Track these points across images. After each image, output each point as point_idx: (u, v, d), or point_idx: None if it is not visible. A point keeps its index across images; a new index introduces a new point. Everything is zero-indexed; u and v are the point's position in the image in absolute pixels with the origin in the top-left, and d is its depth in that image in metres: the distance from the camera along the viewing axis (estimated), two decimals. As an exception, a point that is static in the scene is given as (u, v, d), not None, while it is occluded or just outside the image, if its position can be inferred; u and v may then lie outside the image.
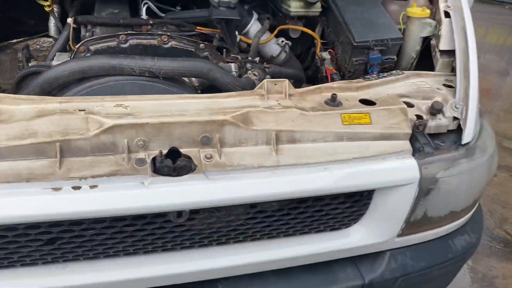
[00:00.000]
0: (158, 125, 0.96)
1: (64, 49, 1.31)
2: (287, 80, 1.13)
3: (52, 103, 0.98)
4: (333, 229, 1.15)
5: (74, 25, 1.27)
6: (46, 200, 0.88)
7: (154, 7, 1.38)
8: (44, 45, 1.50)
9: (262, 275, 1.13)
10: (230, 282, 1.11)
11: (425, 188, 1.13)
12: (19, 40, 1.46)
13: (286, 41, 1.48)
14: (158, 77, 1.12)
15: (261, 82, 1.12)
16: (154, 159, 0.95)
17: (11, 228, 0.89)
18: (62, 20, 1.45)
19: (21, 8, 1.50)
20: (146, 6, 1.36)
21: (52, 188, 0.89)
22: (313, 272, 1.16)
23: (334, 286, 1.15)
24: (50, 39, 1.49)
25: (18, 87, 1.19)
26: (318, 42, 1.49)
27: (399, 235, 1.18)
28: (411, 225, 1.17)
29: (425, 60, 1.47)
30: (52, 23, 1.43)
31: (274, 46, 1.47)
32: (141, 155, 0.96)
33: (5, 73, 1.50)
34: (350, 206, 1.12)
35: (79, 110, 0.97)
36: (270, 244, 1.11)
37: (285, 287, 1.12)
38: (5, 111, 0.96)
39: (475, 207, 1.34)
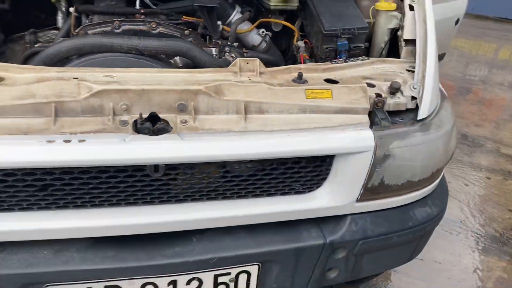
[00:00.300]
0: (140, 92, 1.12)
1: (67, 35, 1.49)
2: (258, 60, 1.28)
3: (50, 72, 1.15)
4: (297, 192, 1.28)
5: (76, 14, 1.45)
6: (41, 150, 1.04)
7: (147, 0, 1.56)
8: (53, 37, 1.68)
9: (233, 230, 1.26)
10: (204, 236, 1.24)
11: (380, 157, 1.25)
12: (30, 31, 1.65)
13: (266, 32, 1.64)
14: (143, 55, 1.28)
15: (235, 60, 1.27)
16: (135, 121, 1.11)
17: (10, 173, 1.05)
18: (68, 13, 1.63)
19: (33, 2, 1.69)
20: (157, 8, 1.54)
21: (46, 141, 1.05)
22: (280, 231, 1.29)
23: (298, 244, 1.27)
24: (57, 31, 1.68)
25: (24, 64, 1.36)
26: (296, 32, 1.65)
27: (358, 200, 1.30)
28: (369, 191, 1.29)
29: (395, 50, 1.61)
30: (60, 16, 1.62)
31: (255, 36, 1.63)
32: (125, 117, 1.11)
33: (18, 62, 1.69)
34: (311, 170, 1.25)
35: (73, 78, 1.13)
36: (240, 202, 1.24)
37: (253, 242, 1.25)
38: (10, 78, 1.12)
39: (435, 181, 1.45)
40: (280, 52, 1.73)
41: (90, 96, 1.09)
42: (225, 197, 1.23)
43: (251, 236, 1.26)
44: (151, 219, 1.17)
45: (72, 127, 1.08)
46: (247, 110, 1.18)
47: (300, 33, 1.68)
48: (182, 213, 1.20)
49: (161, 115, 1.13)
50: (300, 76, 1.28)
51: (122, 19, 1.39)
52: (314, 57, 1.58)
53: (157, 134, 1.10)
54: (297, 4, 1.63)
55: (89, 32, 1.36)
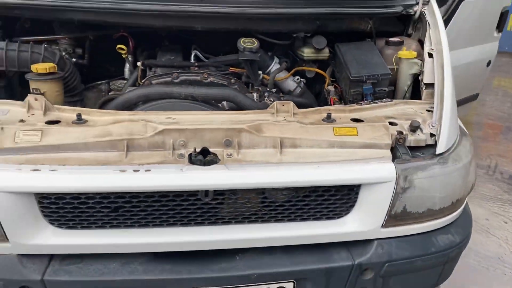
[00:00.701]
0: (194, 130, 1.36)
1: (134, 84, 1.79)
2: (292, 102, 1.50)
3: (123, 115, 1.42)
4: (328, 217, 1.45)
5: (142, 67, 1.75)
6: (115, 178, 1.28)
7: (200, 54, 1.84)
8: (120, 86, 1.98)
9: (271, 250, 1.44)
10: (246, 254, 1.43)
11: (402, 187, 1.41)
12: (102, 82, 1.97)
13: (301, 79, 1.87)
14: (197, 100, 1.54)
15: (272, 103, 1.50)
16: (190, 155, 1.34)
17: (91, 197, 1.30)
18: (134, 66, 1.94)
19: (104, 57, 2.01)
20: (194, 53, 1.82)
21: (120, 170, 1.30)
22: (312, 252, 1.45)
23: (329, 264, 1.43)
24: (125, 81, 1.98)
25: (101, 108, 1.65)
26: (327, 78, 1.87)
27: (383, 226, 1.45)
28: (393, 218, 1.45)
29: (418, 93, 1.79)
30: (127, 68, 1.92)
31: (291, 83, 1.87)
32: (182, 151, 1.35)
33: (91, 106, 2.00)
34: (340, 198, 1.42)
35: (141, 120, 1.39)
36: (277, 225, 1.43)
37: (289, 261, 1.42)
38: (92, 120, 1.40)
39: (457, 211, 1.58)
40: (313, 96, 1.95)
41: (155, 134, 1.34)
42: (264, 220, 1.42)
43: (287, 256, 1.44)
44: (201, 238, 1.38)
45: (140, 159, 1.33)
46: (282, 145, 1.39)
47: (331, 79, 1.90)
48: (227, 233, 1.40)
49: (211, 149, 1.36)
50: (329, 116, 1.49)
51: (180, 71, 1.67)
52: (343, 100, 1.79)
53: (208, 165, 1.33)
54: (327, 55, 1.86)
55: (153, 82, 1.65)
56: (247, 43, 1.65)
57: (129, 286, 1.34)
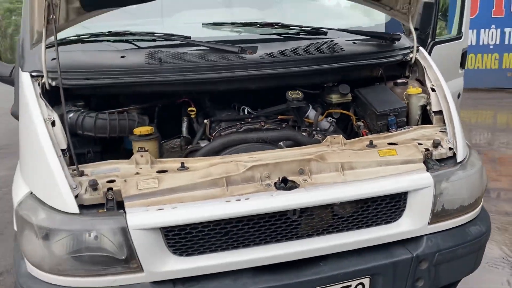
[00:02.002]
0: (275, 164, 1.72)
1: (201, 138, 2.14)
2: (341, 135, 1.90)
3: (214, 159, 1.77)
4: (386, 222, 1.81)
5: (208, 123, 2.12)
6: (224, 207, 1.61)
7: (249, 109, 2.23)
8: (176, 144, 2.30)
9: (346, 254, 1.77)
10: (328, 260, 1.75)
11: (438, 190, 1.81)
12: (165, 141, 2.27)
13: (332, 119, 2.29)
14: (266, 142, 1.91)
15: (325, 138, 1.90)
16: (275, 183, 1.69)
17: (206, 225, 1.60)
18: (189, 125, 2.29)
19: (165, 120, 2.34)
20: (245, 109, 2.22)
21: (226, 201, 1.63)
22: (378, 251, 1.79)
23: (395, 259, 1.77)
24: (178, 139, 2.30)
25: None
26: (353, 118, 2.29)
27: (429, 223, 1.83)
28: (436, 216, 1.82)
29: (426, 120, 2.24)
30: (184, 127, 2.26)
31: (325, 123, 2.28)
32: (267, 181, 1.70)
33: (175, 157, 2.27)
34: (394, 205, 1.79)
35: (231, 161, 1.74)
36: (349, 233, 1.77)
37: (363, 260, 1.75)
38: (192, 166, 1.74)
39: (479, 206, 1.98)
40: (341, 131, 2.36)
41: (246, 170, 1.69)
42: (338, 230, 1.76)
43: (360, 257, 1.77)
44: (292, 250, 1.70)
45: (238, 191, 1.66)
46: (343, 168, 1.77)
47: (355, 117, 2.33)
48: (311, 244, 1.72)
49: (289, 178, 1.72)
50: (371, 142, 1.90)
51: (241, 122, 2.06)
52: (370, 131, 2.21)
53: (291, 190, 1.68)
54: (350, 98, 2.30)
55: (222, 133, 2.01)
56: (294, 94, 2.07)
57: (243, 297, 1.63)
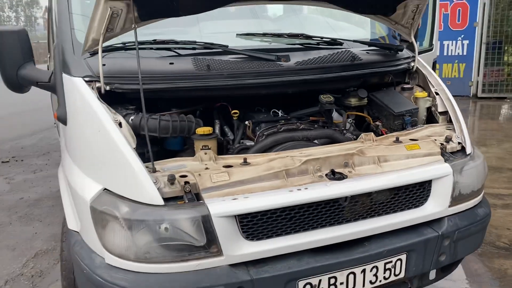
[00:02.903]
0: (324, 158, 1.97)
1: (242, 138, 2.33)
2: (372, 133, 2.18)
3: (272, 155, 1.98)
4: (416, 206, 2.11)
5: (249, 124, 2.32)
6: (288, 196, 1.82)
7: (281, 112, 2.46)
8: None
9: (385, 235, 2.04)
10: (371, 241, 2.01)
11: (456, 178, 2.13)
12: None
13: (352, 120, 2.58)
14: (310, 140, 2.15)
15: (360, 135, 2.17)
16: (326, 174, 1.94)
17: (272, 212, 1.81)
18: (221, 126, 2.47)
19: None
20: (277, 112, 2.45)
21: (289, 191, 1.84)
22: (410, 231, 2.08)
23: (425, 236, 2.06)
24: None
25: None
26: (369, 119, 2.59)
27: (449, 206, 2.14)
28: (454, 199, 2.15)
29: (429, 120, 2.59)
30: (217, 129, 2.43)
31: (347, 124, 2.56)
32: (319, 173, 1.94)
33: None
34: (422, 191, 2.10)
35: (287, 156, 1.96)
36: (387, 217, 2.04)
37: (399, 239, 2.03)
38: (251, 162, 1.94)
39: (482, 192, 2.34)
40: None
41: (301, 164, 1.92)
42: (379, 215, 2.03)
43: (397, 236, 2.05)
44: (343, 232, 1.94)
45: (296, 182, 1.89)
46: (379, 160, 2.05)
47: (370, 117, 2.64)
48: (358, 227, 1.98)
49: (336, 170, 1.97)
50: (397, 139, 2.20)
51: (281, 123, 2.28)
52: (387, 130, 2.52)
53: (341, 180, 1.93)
54: (366, 102, 2.60)
55: (265, 133, 2.23)
56: (326, 98, 2.33)
57: (306, 274, 1.84)
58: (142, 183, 1.73)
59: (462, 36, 10.93)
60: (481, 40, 10.66)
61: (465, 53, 11.03)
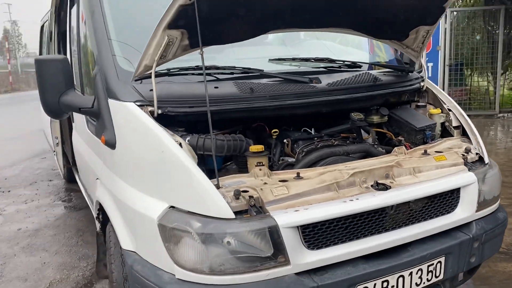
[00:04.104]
0: (368, 171, 2.13)
1: (280, 153, 2.46)
2: (403, 147, 2.38)
3: (320, 169, 2.13)
4: (448, 212, 2.30)
5: (287, 142, 2.47)
6: (343, 206, 1.96)
7: (311, 131, 2.62)
8: None
9: (425, 240, 2.20)
10: (413, 246, 2.17)
11: (481, 185, 2.35)
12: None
13: (375, 136, 2.77)
14: (349, 154, 2.32)
15: (393, 149, 2.36)
16: (372, 185, 2.10)
17: (330, 222, 1.94)
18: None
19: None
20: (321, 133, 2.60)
21: (342, 201, 1.99)
22: (444, 236, 2.25)
23: (459, 239, 2.24)
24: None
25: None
26: (391, 134, 2.80)
27: (476, 211, 2.35)
28: (480, 205, 2.35)
29: (443, 134, 2.82)
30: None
31: (370, 139, 2.76)
32: (365, 185, 2.10)
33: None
34: (451, 198, 2.29)
35: (334, 169, 2.12)
36: (425, 223, 2.21)
37: (438, 243, 2.20)
38: (305, 176, 2.07)
39: (499, 198, 2.56)
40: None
41: (349, 176, 2.08)
42: (418, 221, 2.20)
43: (435, 241, 2.22)
44: (392, 238, 2.10)
45: (347, 193, 2.04)
46: (415, 171, 2.24)
47: (390, 133, 2.84)
48: (402, 233, 2.14)
49: (380, 181, 2.14)
50: (425, 151, 2.40)
51: (317, 140, 2.44)
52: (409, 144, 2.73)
53: (385, 190, 2.10)
54: (386, 119, 2.81)
55: (304, 150, 2.37)
56: (357, 116, 2.52)
57: (364, 279, 1.97)
58: (212, 199, 1.83)
59: (427, 59, 11.59)
60: (444, 63, 11.34)
61: (430, 75, 11.65)
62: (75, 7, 3.35)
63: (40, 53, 6.52)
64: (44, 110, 2.48)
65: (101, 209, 2.73)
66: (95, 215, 2.82)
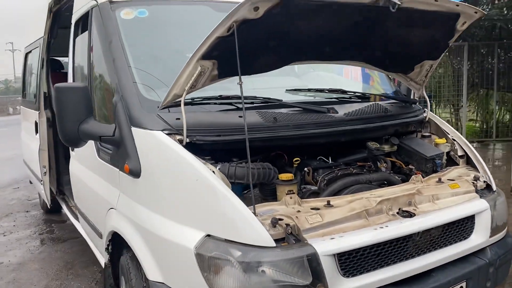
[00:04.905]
0: (394, 198, 2.20)
1: (302, 181, 2.49)
2: (420, 175, 2.47)
3: (348, 197, 2.17)
4: (462, 239, 2.38)
5: (307, 171, 2.50)
6: (376, 234, 2.01)
7: (328, 160, 2.68)
8: None
9: (446, 266, 2.26)
10: (436, 271, 2.22)
11: (493, 211, 2.46)
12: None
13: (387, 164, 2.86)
14: (371, 182, 2.38)
15: (411, 177, 2.44)
16: (397, 213, 2.16)
17: (364, 249, 1.97)
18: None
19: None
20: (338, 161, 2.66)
21: (373, 229, 2.03)
22: (463, 261, 2.33)
23: (477, 264, 2.32)
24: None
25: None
26: (401, 163, 2.89)
27: (490, 237, 2.44)
28: (493, 231, 2.46)
29: (449, 162, 2.94)
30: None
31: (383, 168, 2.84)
32: (391, 212, 2.16)
33: None
34: (467, 225, 2.38)
35: (362, 197, 2.17)
36: (446, 249, 2.28)
37: (459, 269, 2.26)
38: (335, 203, 2.11)
39: (507, 224, 2.68)
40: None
41: (377, 204, 2.14)
42: (440, 247, 2.27)
43: (456, 266, 2.29)
44: (419, 264, 2.15)
45: (377, 221, 2.09)
46: (434, 199, 2.32)
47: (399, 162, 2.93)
48: (427, 259, 2.19)
49: (403, 208, 2.21)
50: (439, 179, 2.50)
51: (337, 168, 2.49)
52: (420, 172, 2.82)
53: (411, 217, 2.17)
54: (396, 148, 2.91)
55: (326, 178, 2.42)
56: (374, 145, 2.60)
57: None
58: (252, 227, 1.83)
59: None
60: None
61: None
62: (81, 37, 3.34)
63: (24, 81, 6.37)
64: (62, 138, 2.43)
65: (112, 240, 2.66)
66: (104, 246, 2.74)
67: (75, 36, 3.44)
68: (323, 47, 2.46)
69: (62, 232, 5.46)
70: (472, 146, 2.88)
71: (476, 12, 2.48)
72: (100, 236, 2.93)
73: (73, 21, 3.45)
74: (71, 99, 2.34)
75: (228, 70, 2.24)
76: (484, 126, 12.53)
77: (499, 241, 2.53)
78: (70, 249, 4.87)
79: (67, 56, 3.71)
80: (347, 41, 2.48)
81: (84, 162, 3.26)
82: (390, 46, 2.67)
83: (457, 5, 2.41)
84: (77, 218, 3.99)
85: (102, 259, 3.12)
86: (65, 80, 5.47)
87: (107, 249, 2.72)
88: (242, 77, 2.04)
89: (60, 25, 4.74)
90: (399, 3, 2.13)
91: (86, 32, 3.06)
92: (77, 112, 2.35)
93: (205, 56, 2.07)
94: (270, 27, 2.06)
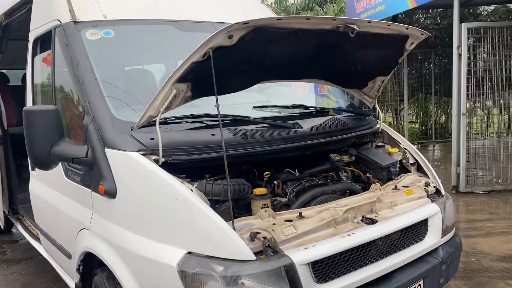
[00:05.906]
0: (357, 207, 2.39)
1: (273, 194, 2.62)
2: (378, 183, 2.68)
3: (317, 208, 2.33)
4: (418, 241, 2.61)
5: (277, 183, 2.64)
6: (345, 241, 2.18)
7: (294, 172, 2.83)
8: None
9: (405, 267, 2.48)
10: (396, 273, 2.43)
11: (443, 214, 2.72)
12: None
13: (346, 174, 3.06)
14: (336, 192, 2.56)
15: (371, 186, 2.65)
16: (362, 220, 2.35)
17: (333, 256, 2.14)
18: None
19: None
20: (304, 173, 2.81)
21: (341, 237, 2.21)
22: (419, 261, 2.56)
23: (433, 263, 2.56)
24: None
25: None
26: (359, 172, 3.10)
27: (441, 237, 2.70)
28: (443, 231, 2.72)
29: (401, 170, 3.20)
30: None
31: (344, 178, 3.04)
32: (356, 220, 2.35)
33: None
34: (422, 227, 2.62)
35: (329, 207, 2.34)
36: (403, 252, 2.50)
37: (416, 269, 2.48)
38: (306, 214, 2.26)
39: (454, 225, 2.97)
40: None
41: (343, 213, 2.32)
42: (400, 250, 2.49)
43: (414, 266, 2.51)
44: (383, 266, 2.34)
45: (344, 229, 2.27)
46: (392, 205, 2.55)
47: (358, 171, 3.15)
48: (388, 262, 2.40)
49: (366, 216, 2.41)
50: (395, 186, 2.73)
51: (304, 180, 2.65)
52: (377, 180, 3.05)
53: (373, 223, 2.37)
54: (354, 158, 3.12)
55: (294, 190, 2.57)
56: (336, 157, 2.79)
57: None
58: (233, 242, 1.94)
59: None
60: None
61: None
62: (40, 56, 3.29)
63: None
64: (32, 161, 2.41)
65: (83, 260, 2.66)
66: (75, 267, 2.73)
67: (34, 54, 3.38)
68: (288, 67, 2.62)
69: (15, 253, 5.25)
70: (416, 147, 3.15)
71: (422, 34, 2.74)
72: (69, 256, 2.91)
73: (31, 39, 3.39)
74: (41, 122, 2.33)
75: (202, 91, 2.34)
76: (423, 128, 13.38)
77: (449, 241, 2.80)
78: (26, 270, 4.70)
79: (12, 68, 3.62)
80: (309, 61, 2.65)
81: (48, 182, 3.21)
82: (347, 65, 2.88)
83: (407, 28, 2.66)
84: (36, 238, 3.89)
85: (69, 279, 3.10)
86: (10, 93, 5.33)
87: (78, 269, 2.71)
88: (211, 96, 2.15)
89: (8, 38, 4.60)
90: (357, 28, 2.33)
91: (47, 52, 3.04)
92: (49, 135, 2.35)
93: (180, 80, 2.16)
94: (242, 52, 2.19)
